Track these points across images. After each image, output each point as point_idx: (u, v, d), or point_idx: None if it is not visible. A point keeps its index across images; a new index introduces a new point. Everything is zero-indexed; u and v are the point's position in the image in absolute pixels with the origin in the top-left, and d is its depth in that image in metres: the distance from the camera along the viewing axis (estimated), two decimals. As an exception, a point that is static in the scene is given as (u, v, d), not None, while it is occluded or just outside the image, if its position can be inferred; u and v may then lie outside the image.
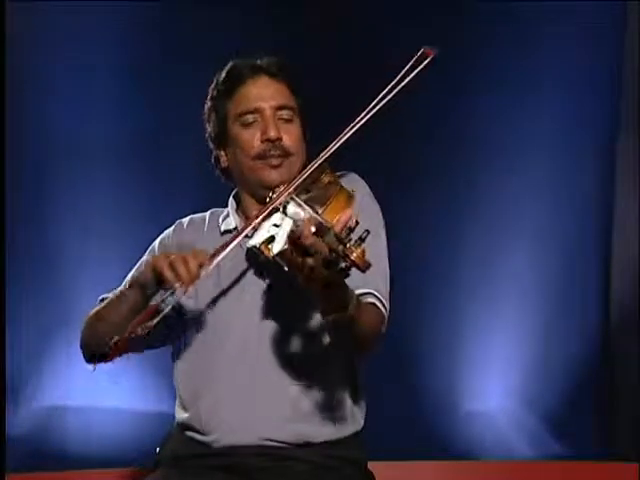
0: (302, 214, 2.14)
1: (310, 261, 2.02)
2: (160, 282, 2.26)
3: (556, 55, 4.25)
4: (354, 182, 2.43)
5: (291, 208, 2.19)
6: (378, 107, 2.31)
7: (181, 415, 2.46)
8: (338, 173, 2.40)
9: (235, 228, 2.47)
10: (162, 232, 2.59)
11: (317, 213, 2.10)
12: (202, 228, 2.54)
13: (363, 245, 1.99)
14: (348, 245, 1.98)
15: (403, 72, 2.31)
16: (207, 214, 2.58)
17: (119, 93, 4.20)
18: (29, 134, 4.17)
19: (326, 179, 2.33)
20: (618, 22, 4.26)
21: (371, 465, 2.47)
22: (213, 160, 2.52)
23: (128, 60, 4.19)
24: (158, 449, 2.50)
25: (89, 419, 4.11)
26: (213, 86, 2.49)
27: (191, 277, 2.21)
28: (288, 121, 2.43)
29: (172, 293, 2.26)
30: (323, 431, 2.39)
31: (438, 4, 4.25)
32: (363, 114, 2.31)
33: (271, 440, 2.37)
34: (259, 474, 2.36)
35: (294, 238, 2.03)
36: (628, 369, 4.23)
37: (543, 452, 4.24)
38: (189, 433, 2.44)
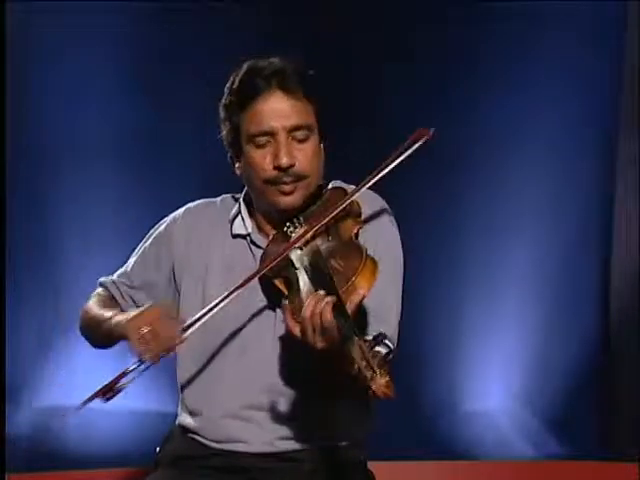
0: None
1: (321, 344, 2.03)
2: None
3: (556, 55, 4.25)
4: (374, 207, 2.39)
5: (316, 274, 2.12)
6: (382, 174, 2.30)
7: (185, 419, 2.45)
8: (357, 195, 2.33)
9: (248, 235, 2.41)
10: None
11: (338, 292, 2.01)
12: (213, 220, 2.47)
13: (387, 372, 1.90)
14: (375, 369, 1.90)
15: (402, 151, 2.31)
16: (218, 202, 2.50)
17: (119, 92, 4.20)
18: (29, 134, 4.17)
19: (349, 225, 2.26)
20: (618, 22, 4.26)
21: (371, 465, 2.47)
22: (229, 160, 2.43)
23: (128, 59, 4.19)
24: (158, 449, 2.50)
25: (89, 419, 4.11)
26: (227, 91, 2.39)
27: (160, 353, 2.19)
28: (302, 141, 2.33)
29: (140, 363, 2.22)
30: (330, 441, 2.38)
31: (439, 4, 4.25)
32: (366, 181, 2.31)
33: (276, 451, 2.37)
34: (260, 474, 2.36)
35: (320, 326, 2.03)
36: (628, 369, 4.24)
37: (543, 452, 4.24)
38: (191, 435, 2.43)
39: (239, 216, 2.44)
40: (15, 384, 4.06)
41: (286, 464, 2.36)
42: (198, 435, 2.41)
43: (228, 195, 2.51)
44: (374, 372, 1.89)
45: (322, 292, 2.05)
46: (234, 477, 2.37)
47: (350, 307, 2.01)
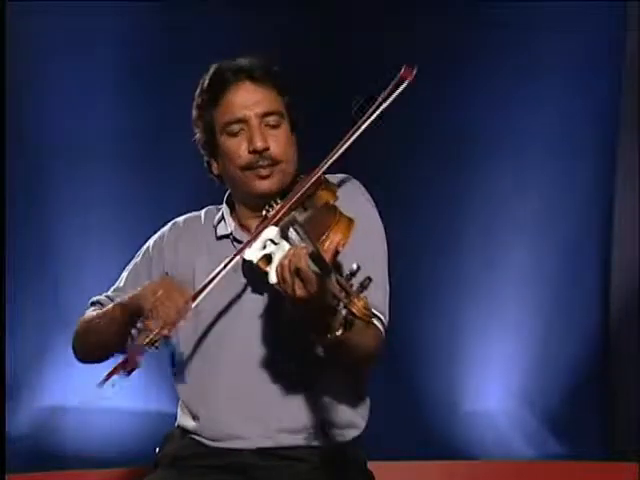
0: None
1: (300, 292, 2.05)
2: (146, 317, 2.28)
3: (556, 55, 4.25)
4: (350, 187, 2.42)
5: (292, 233, 2.15)
6: (367, 123, 2.33)
7: (184, 420, 2.45)
8: (333, 176, 2.40)
9: (230, 234, 2.45)
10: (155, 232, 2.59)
11: (316, 246, 2.06)
12: (198, 229, 2.52)
13: (365, 294, 1.97)
14: (351, 293, 1.96)
15: (387, 94, 2.33)
16: (202, 213, 2.56)
17: (118, 93, 4.20)
18: (29, 134, 4.17)
19: (324, 195, 2.32)
20: (618, 22, 4.26)
21: (371, 465, 2.47)
22: (205, 165, 2.50)
23: (127, 60, 4.19)
24: (158, 449, 2.50)
25: (89, 419, 4.11)
26: (198, 92, 2.45)
27: (177, 318, 2.23)
28: (275, 127, 2.39)
29: (159, 330, 2.24)
30: (326, 438, 2.39)
31: (438, 4, 4.25)
32: (352, 130, 2.33)
33: (276, 446, 2.37)
34: (259, 474, 2.36)
35: (296, 270, 2.05)
36: (628, 369, 4.24)
37: (543, 452, 4.24)
38: (190, 435, 2.43)
39: (222, 220, 2.49)
40: (15, 384, 4.06)
41: (285, 462, 2.36)
42: (198, 435, 2.42)
43: (211, 206, 2.56)
44: (351, 297, 1.96)
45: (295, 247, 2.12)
46: (234, 477, 2.38)
47: (327, 255, 2.05)
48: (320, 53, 4.10)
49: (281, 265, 2.09)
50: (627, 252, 4.27)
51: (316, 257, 2.01)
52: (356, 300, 1.96)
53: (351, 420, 2.42)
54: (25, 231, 4.15)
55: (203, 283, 2.31)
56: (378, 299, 2.33)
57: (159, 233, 2.56)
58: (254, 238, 2.24)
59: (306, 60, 3.73)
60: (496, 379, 4.28)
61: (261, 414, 2.37)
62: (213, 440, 2.40)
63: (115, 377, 2.27)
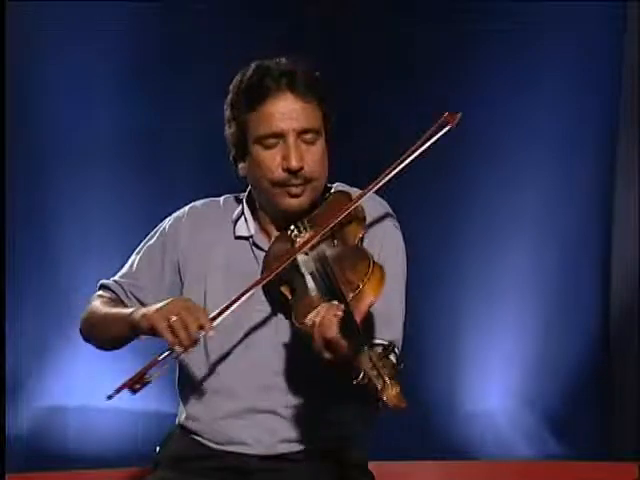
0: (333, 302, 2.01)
1: (328, 356, 2.00)
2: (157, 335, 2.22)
3: (556, 55, 4.25)
4: (378, 213, 2.38)
5: (320, 278, 2.08)
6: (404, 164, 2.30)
7: (185, 420, 2.44)
8: (362, 198, 2.32)
9: (251, 236, 2.40)
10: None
11: (347, 301, 1.96)
12: (216, 220, 2.45)
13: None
14: (385, 379, 1.83)
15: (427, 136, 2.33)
16: (221, 201, 2.48)
17: (119, 92, 4.20)
18: (29, 133, 4.17)
19: (354, 229, 2.24)
20: (618, 22, 4.26)
21: (371, 465, 2.47)
22: (232, 159, 2.41)
23: (128, 59, 4.19)
24: (158, 449, 2.50)
25: (89, 419, 4.11)
26: (234, 90, 2.36)
27: (191, 342, 2.17)
28: (311, 143, 2.31)
29: (170, 352, 2.19)
30: (331, 441, 2.38)
31: (440, 4, 4.25)
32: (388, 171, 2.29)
33: (277, 454, 2.37)
34: (259, 475, 2.36)
35: (324, 338, 1.98)
36: (628, 369, 4.24)
37: (543, 452, 4.24)
38: (191, 435, 2.43)
39: (242, 217, 2.42)
40: (15, 384, 4.06)
41: (287, 465, 2.35)
42: (198, 436, 2.41)
43: (230, 195, 2.49)
44: (385, 382, 1.84)
45: (329, 303, 2.02)
46: (234, 478, 2.37)
47: (358, 316, 1.98)
48: (320, 53, 4.10)
49: (312, 325, 2.02)
50: (627, 252, 4.27)
51: (348, 321, 1.91)
52: (389, 388, 1.82)
53: (355, 427, 2.40)
54: (26, 230, 4.15)
55: (232, 299, 2.25)
56: (396, 333, 2.29)
57: (176, 215, 2.49)
58: (274, 275, 2.21)
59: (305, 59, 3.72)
60: (496, 379, 4.28)
61: (265, 426, 2.35)
62: (214, 443, 2.39)
63: (124, 391, 2.23)
